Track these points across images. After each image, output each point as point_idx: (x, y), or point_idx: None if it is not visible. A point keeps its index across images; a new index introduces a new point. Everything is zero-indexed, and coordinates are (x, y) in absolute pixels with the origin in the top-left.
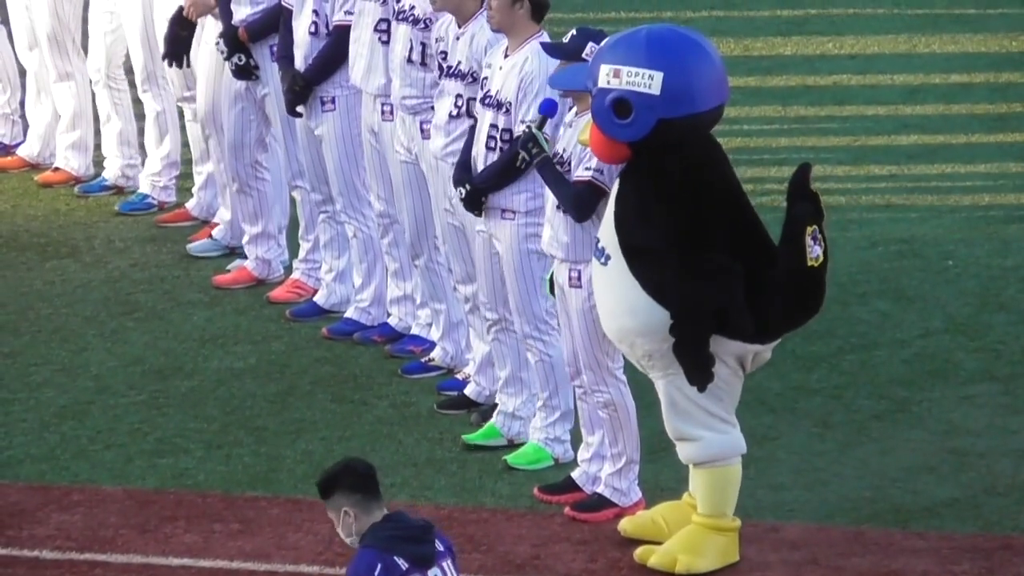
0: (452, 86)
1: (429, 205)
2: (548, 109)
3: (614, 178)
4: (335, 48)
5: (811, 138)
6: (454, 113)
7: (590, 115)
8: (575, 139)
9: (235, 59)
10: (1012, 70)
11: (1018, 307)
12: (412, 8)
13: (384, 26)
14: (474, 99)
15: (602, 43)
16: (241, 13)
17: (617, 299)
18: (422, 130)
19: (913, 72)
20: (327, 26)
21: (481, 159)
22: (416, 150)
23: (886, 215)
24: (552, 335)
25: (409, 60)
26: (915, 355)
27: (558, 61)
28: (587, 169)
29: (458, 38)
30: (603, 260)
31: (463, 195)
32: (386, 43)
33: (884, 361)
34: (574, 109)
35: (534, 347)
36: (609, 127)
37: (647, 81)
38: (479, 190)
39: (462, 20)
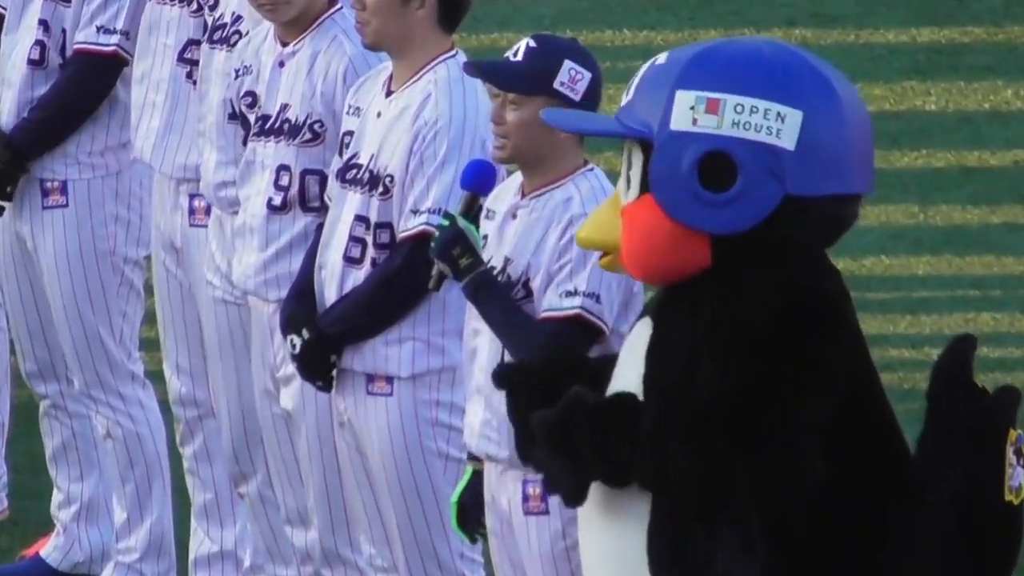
0: (271, 152)
1: None
2: (479, 178)
3: (615, 309)
4: (73, 91)
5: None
6: (277, 203)
7: (605, 199)
8: (523, 239)
9: None
10: None
11: None
12: (237, 20)
13: (195, 52)
14: (313, 172)
15: (661, 59)
16: None
17: (642, 546)
18: None
19: None
20: (61, 52)
21: (335, 280)
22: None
23: None
24: None
25: (232, 116)
26: None
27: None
28: (571, 294)
29: (282, 64)
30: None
31: (296, 348)
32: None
33: None
34: (514, 183)
35: None
36: (689, 206)
37: (773, 124)
38: (327, 338)
39: (294, 32)
